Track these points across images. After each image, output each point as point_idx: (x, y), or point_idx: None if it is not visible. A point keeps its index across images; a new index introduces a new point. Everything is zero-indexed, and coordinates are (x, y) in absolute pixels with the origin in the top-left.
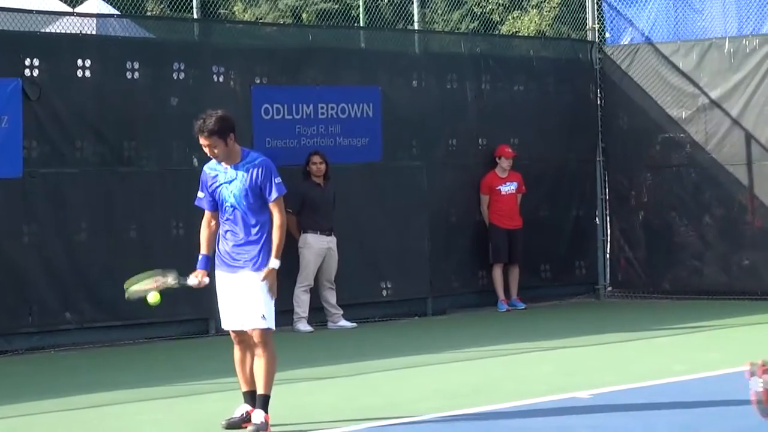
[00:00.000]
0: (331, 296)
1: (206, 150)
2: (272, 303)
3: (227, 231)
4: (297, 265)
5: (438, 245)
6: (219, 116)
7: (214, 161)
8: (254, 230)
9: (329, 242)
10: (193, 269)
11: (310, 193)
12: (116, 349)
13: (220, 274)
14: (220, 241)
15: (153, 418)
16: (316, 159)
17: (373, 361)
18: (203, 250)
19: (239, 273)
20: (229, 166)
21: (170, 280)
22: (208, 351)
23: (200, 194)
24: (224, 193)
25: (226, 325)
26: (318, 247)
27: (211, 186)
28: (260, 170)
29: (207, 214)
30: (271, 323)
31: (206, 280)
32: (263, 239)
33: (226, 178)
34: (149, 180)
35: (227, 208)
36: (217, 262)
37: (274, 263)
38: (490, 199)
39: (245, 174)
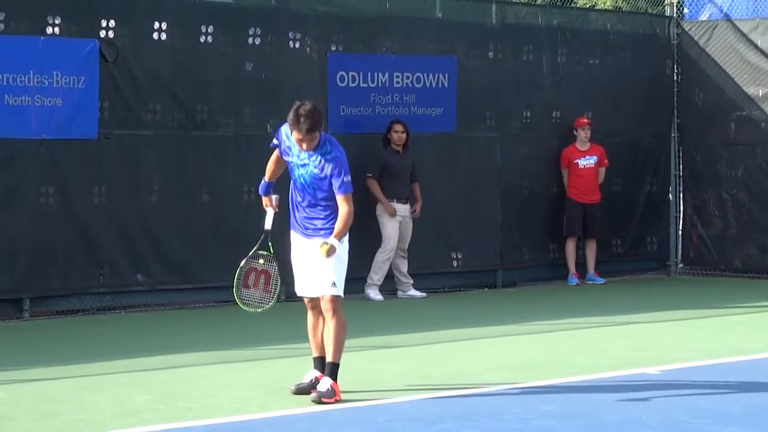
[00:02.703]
0: (402, 265)
1: (295, 139)
2: (343, 271)
3: (299, 202)
4: (375, 232)
5: (509, 217)
6: (315, 111)
7: None
8: (323, 203)
9: (405, 210)
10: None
11: (389, 160)
12: (186, 311)
13: (295, 236)
14: (294, 208)
15: (221, 382)
16: (398, 127)
17: (442, 331)
18: (267, 178)
19: (312, 240)
20: (304, 149)
21: (262, 261)
22: (278, 316)
23: (275, 141)
24: (295, 172)
25: (299, 291)
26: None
27: (283, 153)
28: (331, 166)
29: (277, 151)
30: (340, 290)
31: (275, 197)
32: (334, 210)
33: (298, 161)
34: (222, 144)
35: (298, 183)
36: (292, 223)
37: (333, 241)
38: (569, 173)
39: (317, 165)
